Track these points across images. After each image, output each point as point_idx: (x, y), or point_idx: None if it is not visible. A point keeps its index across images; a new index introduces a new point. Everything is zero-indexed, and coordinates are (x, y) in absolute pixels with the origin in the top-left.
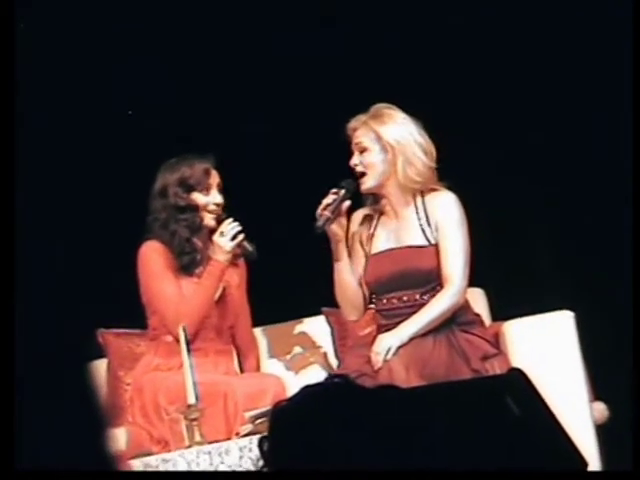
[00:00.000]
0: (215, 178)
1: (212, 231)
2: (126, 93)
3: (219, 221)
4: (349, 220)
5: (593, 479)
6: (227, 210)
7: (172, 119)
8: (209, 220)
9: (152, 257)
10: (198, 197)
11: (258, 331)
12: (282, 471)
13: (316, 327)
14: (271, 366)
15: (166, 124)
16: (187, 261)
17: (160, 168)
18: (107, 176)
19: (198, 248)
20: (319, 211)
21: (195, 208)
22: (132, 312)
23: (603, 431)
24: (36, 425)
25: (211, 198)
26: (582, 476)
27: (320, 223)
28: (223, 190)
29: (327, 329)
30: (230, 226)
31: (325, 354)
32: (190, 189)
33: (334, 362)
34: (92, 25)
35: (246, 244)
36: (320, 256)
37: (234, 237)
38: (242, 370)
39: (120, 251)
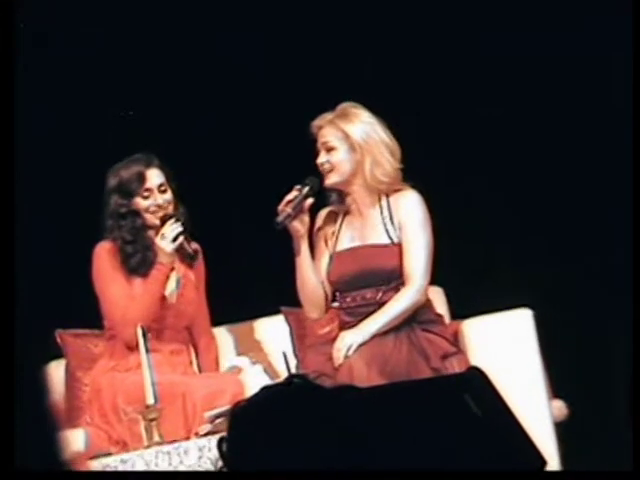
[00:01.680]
0: (154, 179)
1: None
2: (120, 91)
3: (163, 221)
4: (313, 218)
5: (593, 479)
6: (186, 207)
7: (138, 116)
8: (153, 221)
9: (103, 258)
10: (138, 202)
11: (223, 330)
12: (241, 472)
13: (275, 326)
14: (232, 364)
15: (133, 123)
16: (135, 263)
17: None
18: (67, 175)
19: (147, 246)
20: (280, 207)
21: (136, 213)
22: (92, 312)
23: (562, 429)
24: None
25: (152, 201)
26: (583, 476)
27: (280, 219)
28: (171, 187)
29: (286, 328)
30: (170, 228)
31: (282, 353)
32: (129, 195)
33: (292, 362)
34: (92, 26)
35: (186, 246)
36: (283, 255)
37: (175, 239)
38: (200, 370)
39: (81, 250)
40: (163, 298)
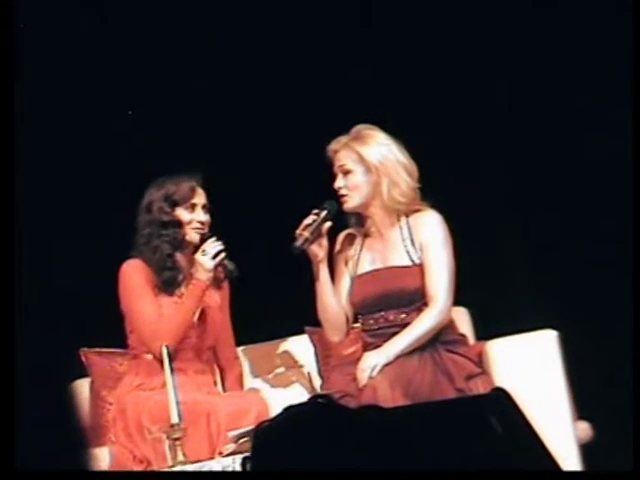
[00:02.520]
0: (201, 197)
1: (195, 249)
2: (125, 100)
3: (203, 239)
4: (333, 241)
5: (593, 479)
6: (212, 229)
7: (159, 138)
8: (192, 237)
9: (132, 275)
10: (182, 213)
11: (240, 351)
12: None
13: (300, 346)
14: (255, 385)
15: (153, 144)
16: (167, 277)
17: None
18: (92, 190)
19: (180, 266)
20: (298, 231)
21: (178, 224)
22: (117, 331)
23: (586, 450)
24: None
25: (195, 215)
26: (583, 476)
27: (298, 243)
28: (210, 211)
29: (311, 348)
30: (212, 245)
31: (307, 373)
32: (174, 204)
33: (316, 381)
34: (92, 26)
35: (227, 263)
36: (305, 275)
37: (215, 256)
38: (225, 389)
39: (106, 269)
40: (194, 316)
